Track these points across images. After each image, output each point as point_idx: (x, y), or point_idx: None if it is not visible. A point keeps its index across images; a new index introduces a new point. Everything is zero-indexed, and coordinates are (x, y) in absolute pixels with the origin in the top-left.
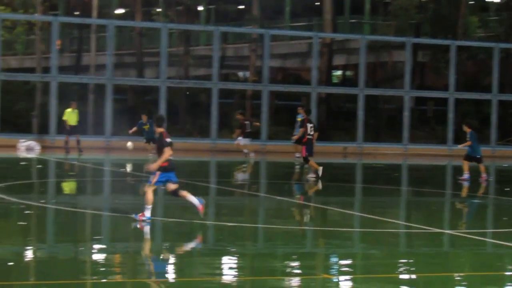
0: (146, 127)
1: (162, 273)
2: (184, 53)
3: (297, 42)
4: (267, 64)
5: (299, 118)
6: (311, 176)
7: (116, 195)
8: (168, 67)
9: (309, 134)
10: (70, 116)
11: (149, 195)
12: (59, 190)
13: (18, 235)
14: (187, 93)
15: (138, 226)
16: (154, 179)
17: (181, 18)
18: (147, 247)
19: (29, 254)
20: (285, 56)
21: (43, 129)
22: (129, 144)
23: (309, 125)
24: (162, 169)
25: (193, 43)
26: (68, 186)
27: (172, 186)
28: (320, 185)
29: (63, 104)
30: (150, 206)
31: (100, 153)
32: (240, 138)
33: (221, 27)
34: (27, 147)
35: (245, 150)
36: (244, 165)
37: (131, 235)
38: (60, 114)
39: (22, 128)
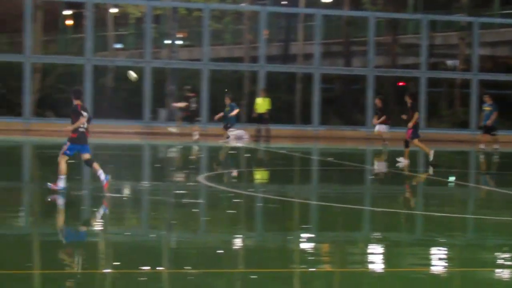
0: (227, 108)
1: (370, 263)
2: (391, 42)
3: (507, 30)
4: (477, 52)
5: (486, 107)
6: (400, 160)
7: (323, 184)
8: (376, 56)
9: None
10: (260, 104)
11: (62, 165)
12: (267, 178)
13: (227, 224)
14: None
15: (50, 199)
16: (64, 149)
17: (389, 7)
18: (354, 236)
19: (238, 242)
20: (495, 44)
21: (250, 118)
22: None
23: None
24: (72, 140)
25: (401, 31)
26: (275, 175)
27: (86, 156)
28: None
29: (270, 93)
30: (63, 176)
31: (310, 143)
32: (382, 125)
33: (429, 15)
34: (236, 136)
35: (385, 137)
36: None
37: (339, 225)
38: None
39: None
